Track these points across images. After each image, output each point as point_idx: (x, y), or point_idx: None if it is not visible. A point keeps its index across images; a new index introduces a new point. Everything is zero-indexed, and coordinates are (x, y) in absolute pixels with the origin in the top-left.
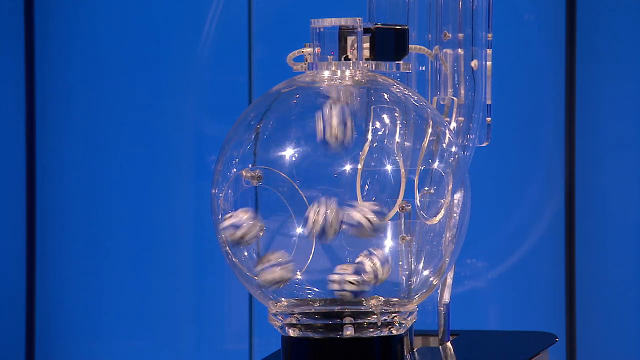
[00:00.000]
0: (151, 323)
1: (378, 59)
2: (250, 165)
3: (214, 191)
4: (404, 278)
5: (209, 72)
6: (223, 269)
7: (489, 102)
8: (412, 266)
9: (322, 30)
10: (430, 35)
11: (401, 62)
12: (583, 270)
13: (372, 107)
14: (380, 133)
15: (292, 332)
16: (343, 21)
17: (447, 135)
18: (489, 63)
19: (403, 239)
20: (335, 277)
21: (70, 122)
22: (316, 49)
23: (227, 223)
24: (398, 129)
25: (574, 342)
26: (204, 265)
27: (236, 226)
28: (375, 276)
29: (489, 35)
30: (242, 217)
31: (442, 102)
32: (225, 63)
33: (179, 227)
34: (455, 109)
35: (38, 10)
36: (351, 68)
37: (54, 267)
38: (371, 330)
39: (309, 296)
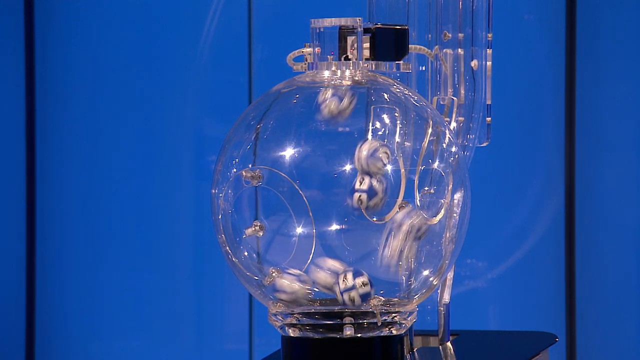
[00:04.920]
0: (151, 323)
1: (378, 59)
2: (250, 165)
3: (214, 191)
4: (404, 278)
5: (209, 72)
6: (223, 269)
7: (489, 102)
8: (412, 266)
9: (322, 30)
10: (430, 35)
11: (401, 62)
12: (583, 270)
13: (372, 107)
14: (380, 133)
15: (292, 332)
16: (343, 21)
17: (447, 135)
18: (489, 63)
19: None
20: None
21: (70, 122)
22: (316, 49)
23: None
24: (398, 129)
25: (574, 342)
26: (204, 265)
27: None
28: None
29: (489, 35)
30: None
31: (442, 102)
32: (225, 63)
33: (179, 227)
34: (455, 109)
35: (38, 10)
36: (351, 68)
37: (54, 267)
38: (371, 330)
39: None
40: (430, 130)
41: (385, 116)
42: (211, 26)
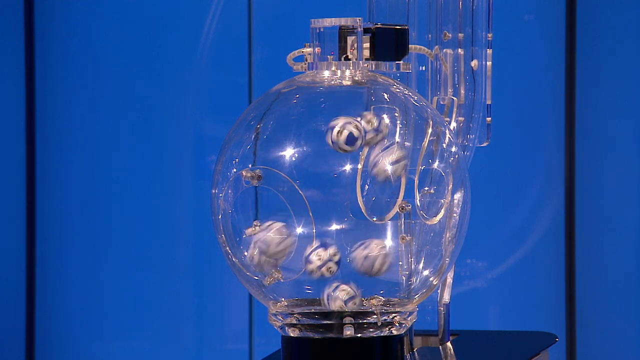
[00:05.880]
0: (151, 323)
1: (378, 59)
2: (250, 165)
3: (214, 191)
4: (404, 278)
5: (209, 72)
6: (223, 269)
7: (489, 102)
8: (412, 266)
9: (322, 30)
10: (430, 35)
11: (401, 62)
12: (583, 270)
13: (372, 107)
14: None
15: (292, 332)
16: (343, 21)
17: (447, 135)
18: (489, 63)
19: (403, 239)
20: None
21: (70, 122)
22: (316, 49)
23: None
24: (398, 129)
25: (574, 342)
26: (204, 265)
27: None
28: None
29: (489, 35)
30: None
31: (442, 102)
32: (225, 63)
33: (179, 227)
34: (455, 109)
35: (38, 10)
36: (351, 68)
37: (54, 267)
38: (371, 330)
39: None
40: (430, 130)
41: (385, 116)
42: (211, 26)
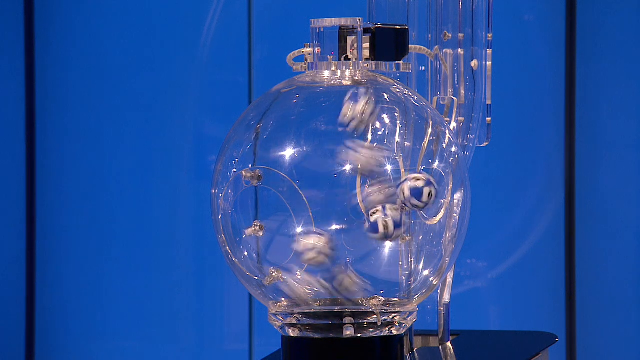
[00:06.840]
0: (151, 323)
1: (378, 59)
2: (250, 165)
3: (214, 191)
4: (404, 278)
5: (209, 72)
6: (223, 269)
7: (489, 102)
8: (412, 266)
9: (322, 30)
10: (430, 35)
11: (401, 62)
12: (583, 270)
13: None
14: (380, 133)
15: (292, 332)
16: (343, 21)
17: (447, 135)
18: (489, 63)
19: (403, 239)
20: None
21: (70, 122)
22: (316, 49)
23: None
24: (398, 129)
25: (574, 342)
26: (204, 265)
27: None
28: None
29: (489, 35)
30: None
31: (442, 102)
32: (225, 63)
33: (179, 227)
34: (455, 109)
35: (38, 10)
36: (351, 68)
37: (54, 267)
38: (371, 330)
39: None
40: (430, 130)
41: (385, 116)
42: (211, 26)
